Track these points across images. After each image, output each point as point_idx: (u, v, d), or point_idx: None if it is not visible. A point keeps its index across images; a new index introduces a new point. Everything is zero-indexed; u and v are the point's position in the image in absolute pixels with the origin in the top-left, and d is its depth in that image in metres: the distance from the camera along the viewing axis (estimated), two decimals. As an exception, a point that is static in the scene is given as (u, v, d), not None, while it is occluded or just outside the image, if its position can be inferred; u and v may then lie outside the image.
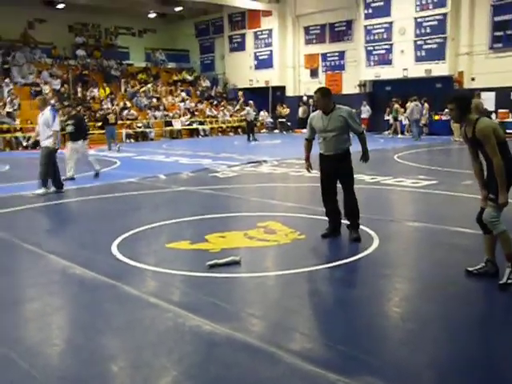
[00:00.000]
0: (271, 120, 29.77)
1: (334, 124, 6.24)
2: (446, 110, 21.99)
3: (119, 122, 25.34)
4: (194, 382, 3.30)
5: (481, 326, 4.18)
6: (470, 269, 4.98)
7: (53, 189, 10.14)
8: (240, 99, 29.89)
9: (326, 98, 6.31)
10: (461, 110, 4.79)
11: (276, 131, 28.94)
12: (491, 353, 3.66)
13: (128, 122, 25.59)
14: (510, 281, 4.63)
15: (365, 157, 6.47)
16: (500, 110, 20.76)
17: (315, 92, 6.39)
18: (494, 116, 21.44)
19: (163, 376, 3.38)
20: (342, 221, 6.59)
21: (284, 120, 29.03)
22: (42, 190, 9.85)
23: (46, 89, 25.41)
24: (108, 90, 27.68)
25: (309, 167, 6.66)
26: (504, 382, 3.26)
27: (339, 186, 6.56)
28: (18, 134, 22.05)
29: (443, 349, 3.67)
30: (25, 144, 21.83)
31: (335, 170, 6.38)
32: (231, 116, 29.66)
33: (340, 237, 6.59)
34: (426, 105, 22.53)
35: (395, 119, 24.04)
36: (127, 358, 3.66)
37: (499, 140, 4.62)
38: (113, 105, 26.55)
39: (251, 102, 24.79)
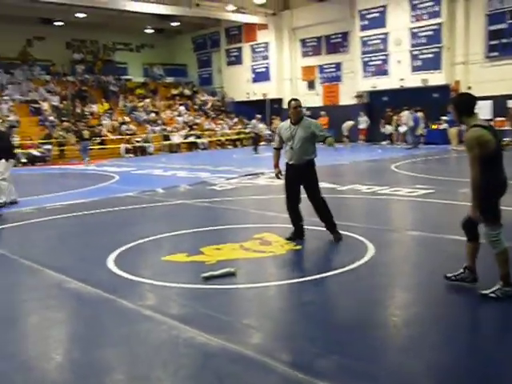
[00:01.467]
0: (269, 132, 29.84)
1: (300, 134, 6.55)
2: (443, 118, 22.15)
3: (118, 136, 25.51)
4: (189, 393, 3.32)
5: (479, 333, 4.20)
6: (448, 275, 4.95)
7: None
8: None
9: (299, 109, 6.65)
10: (458, 111, 4.64)
11: (273, 144, 29.01)
12: (488, 360, 3.67)
13: (127, 137, 25.70)
14: (492, 295, 4.54)
15: (331, 143, 6.69)
16: (497, 119, 20.83)
17: (292, 101, 6.70)
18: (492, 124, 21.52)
19: (158, 388, 3.39)
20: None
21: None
22: None
23: (45, 105, 25.57)
24: (107, 106, 27.85)
25: (278, 174, 7.01)
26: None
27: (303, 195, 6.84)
28: (18, 151, 22.10)
29: (440, 356, 3.68)
30: (24, 160, 21.95)
31: (299, 179, 6.70)
32: (230, 129, 29.78)
33: (335, 247, 6.61)
34: (421, 114, 22.62)
35: (396, 129, 24.15)
36: (124, 371, 3.68)
37: (488, 153, 4.38)
38: (111, 120, 26.70)
39: (258, 115, 24.99)
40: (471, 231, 4.77)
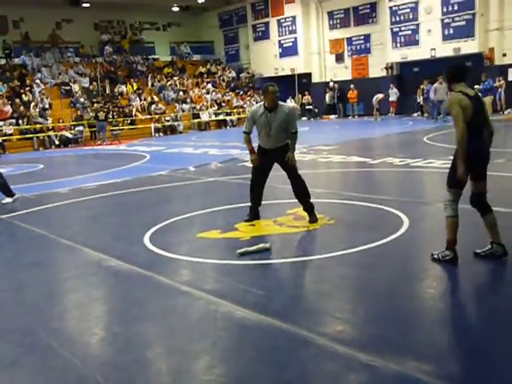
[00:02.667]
0: (298, 107, 29.64)
1: (278, 120, 6.37)
2: (477, 87, 21.54)
3: (147, 116, 25.68)
4: (228, 366, 3.38)
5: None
6: (477, 251, 4.91)
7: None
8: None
9: (277, 95, 6.40)
10: (447, 77, 4.83)
11: (304, 118, 28.82)
12: (525, 330, 3.64)
13: (156, 117, 25.85)
14: (435, 256, 4.85)
15: (290, 151, 6.49)
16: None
17: (269, 87, 6.36)
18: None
19: (197, 361, 3.47)
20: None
21: (311, 107, 28.89)
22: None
23: (76, 87, 25.86)
24: (135, 86, 28.01)
25: (256, 160, 6.64)
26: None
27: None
28: (51, 133, 22.53)
29: (477, 328, 3.65)
30: (57, 142, 22.34)
31: (274, 162, 6.62)
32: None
33: (369, 221, 6.58)
34: (438, 84, 21.99)
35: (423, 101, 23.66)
36: (162, 345, 3.76)
37: (465, 120, 4.54)
38: (141, 100, 26.86)
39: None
40: (482, 205, 4.86)
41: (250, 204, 6.87)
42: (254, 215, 6.84)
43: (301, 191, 6.69)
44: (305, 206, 6.71)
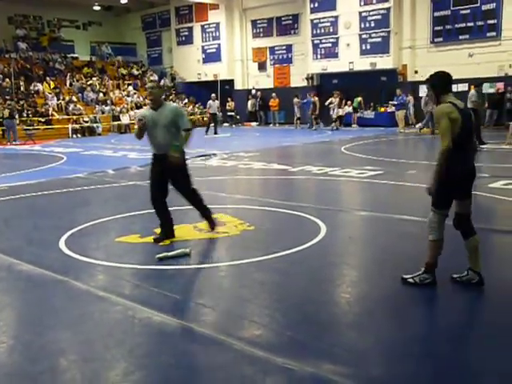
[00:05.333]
0: (221, 113, 29.70)
1: (164, 120, 5.89)
2: (391, 103, 22.61)
3: (65, 116, 24.79)
4: (146, 371, 3.33)
5: (425, 307, 4.38)
6: (454, 276, 4.55)
7: None
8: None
9: (153, 90, 5.96)
10: (434, 89, 4.37)
11: (226, 124, 28.93)
12: (433, 332, 3.85)
13: (74, 117, 25.02)
14: (410, 280, 4.52)
15: (176, 151, 5.89)
16: (422, 107, 21.42)
17: (148, 82, 6.13)
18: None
19: (114, 367, 3.39)
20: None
21: (233, 113, 29.06)
22: None
23: (-13, 83, 24.55)
24: (53, 84, 26.99)
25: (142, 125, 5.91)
26: (444, 361, 3.44)
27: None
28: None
29: (389, 331, 3.82)
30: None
31: (166, 171, 5.98)
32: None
33: (289, 227, 6.71)
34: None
35: (355, 110, 24.43)
36: (77, 352, 3.64)
37: (453, 133, 4.18)
38: (58, 99, 25.91)
39: (214, 95, 24.38)
40: (467, 227, 4.45)
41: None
42: (164, 233, 6.18)
43: (200, 208, 6.36)
44: (202, 214, 6.42)
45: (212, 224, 6.45)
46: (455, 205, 4.43)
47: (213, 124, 23.35)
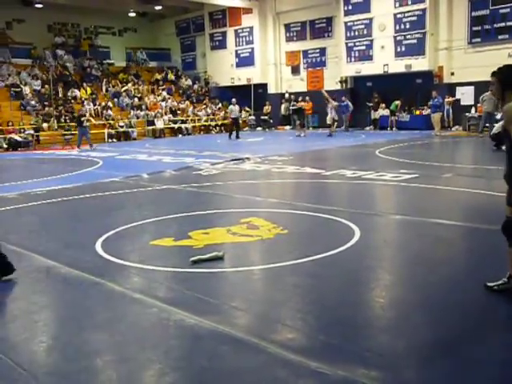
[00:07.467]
0: (253, 117, 29.82)
1: None
2: (430, 103, 22.20)
3: (101, 122, 25.25)
4: (180, 373, 3.36)
5: (460, 313, 4.29)
6: (489, 284, 4.35)
7: None
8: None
9: None
10: (501, 84, 3.99)
11: (259, 129, 29.00)
12: (468, 337, 3.77)
13: (110, 122, 25.48)
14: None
15: None
16: (478, 104, 21.03)
17: None
18: (473, 110, 21.74)
19: (149, 369, 3.44)
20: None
21: (266, 118, 29.11)
22: None
23: (26, 90, 25.21)
24: (89, 90, 27.55)
25: None
26: (480, 365, 3.36)
27: None
28: (-3, 136, 21.88)
29: (424, 336, 3.76)
30: (5, 146, 21.71)
31: None
32: (214, 114, 29.67)
33: (322, 231, 6.68)
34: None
35: (393, 114, 24.13)
36: (112, 353, 3.70)
37: None
38: (95, 105, 26.42)
39: (234, 99, 24.59)
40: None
41: None
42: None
43: None
44: None
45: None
46: (506, 209, 4.14)
47: (235, 128, 23.33)
